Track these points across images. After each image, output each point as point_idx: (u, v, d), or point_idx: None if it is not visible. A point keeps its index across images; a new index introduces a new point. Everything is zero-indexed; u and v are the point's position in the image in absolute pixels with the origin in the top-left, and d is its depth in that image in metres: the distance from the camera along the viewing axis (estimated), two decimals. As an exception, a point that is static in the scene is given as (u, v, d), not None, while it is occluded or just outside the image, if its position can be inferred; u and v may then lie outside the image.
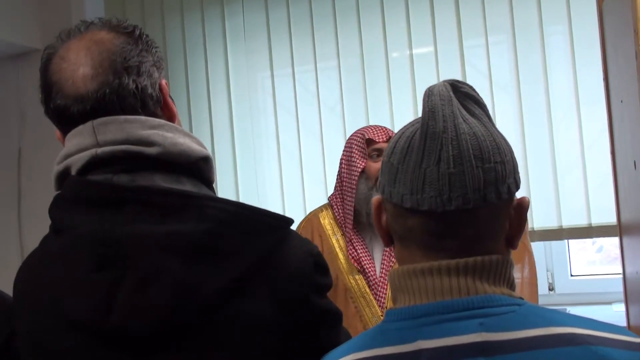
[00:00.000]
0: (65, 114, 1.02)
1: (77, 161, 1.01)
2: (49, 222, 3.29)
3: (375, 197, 0.95)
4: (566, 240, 2.97)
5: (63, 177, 1.04)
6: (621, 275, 2.50)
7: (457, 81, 0.90)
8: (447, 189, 0.84)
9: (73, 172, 1.02)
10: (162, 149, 1.00)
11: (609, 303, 2.89)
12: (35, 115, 3.19)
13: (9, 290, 1.20)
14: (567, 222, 2.76)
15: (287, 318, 0.97)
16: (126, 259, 0.94)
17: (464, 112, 0.87)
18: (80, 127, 1.01)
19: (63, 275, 0.98)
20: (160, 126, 1.01)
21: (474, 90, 0.91)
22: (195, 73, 3.23)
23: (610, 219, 2.65)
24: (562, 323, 0.84)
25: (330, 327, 1.04)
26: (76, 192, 1.00)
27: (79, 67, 1.01)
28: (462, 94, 0.89)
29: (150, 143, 0.99)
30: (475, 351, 0.82)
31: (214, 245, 0.94)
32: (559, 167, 2.75)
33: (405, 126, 0.93)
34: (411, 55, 2.94)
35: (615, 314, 2.77)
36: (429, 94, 0.87)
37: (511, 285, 0.89)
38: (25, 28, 3.13)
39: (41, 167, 3.12)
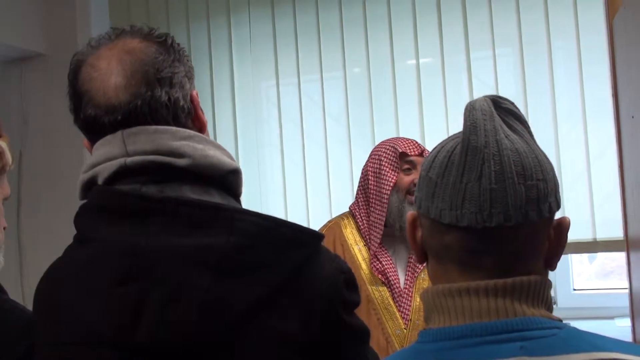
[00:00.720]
0: (96, 124, 1.00)
1: (104, 170, 0.99)
2: (47, 225, 3.22)
3: (410, 212, 0.94)
4: (569, 255, 2.96)
5: (89, 186, 1.02)
6: (626, 290, 2.50)
7: (499, 97, 0.89)
8: (487, 205, 0.82)
9: (100, 181, 1.00)
10: (192, 161, 0.98)
11: (611, 318, 2.89)
12: (38, 119, 3.16)
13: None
14: (572, 237, 2.72)
15: (315, 336, 0.94)
16: (153, 272, 0.92)
17: (506, 128, 0.86)
18: (109, 137, 0.99)
19: (87, 287, 0.95)
20: (191, 137, 1.00)
21: (515, 106, 0.89)
22: (200, 81, 3.22)
23: (615, 233, 2.65)
24: (604, 348, 0.82)
25: (357, 345, 1.02)
26: (103, 202, 0.98)
27: (111, 77, 0.99)
28: (504, 109, 0.88)
29: (180, 154, 0.98)
30: None
31: (244, 260, 0.92)
32: (565, 181, 2.74)
33: (444, 140, 0.91)
34: (418, 66, 2.93)
35: (618, 328, 2.77)
36: (471, 108, 0.86)
37: (549, 306, 0.87)
38: (29, 32, 3.10)
39: (42, 171, 3.09)
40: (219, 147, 1.03)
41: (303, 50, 3.08)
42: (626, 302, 2.58)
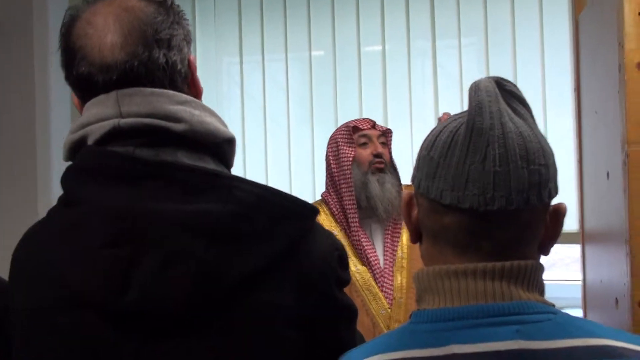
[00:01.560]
0: (89, 82, 0.95)
1: (96, 131, 0.94)
2: (9, 202, 3.09)
3: (406, 192, 0.92)
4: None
5: (78, 146, 0.96)
6: (579, 282, 2.57)
7: (502, 79, 0.88)
8: (491, 187, 0.81)
9: (90, 141, 0.95)
10: (189, 127, 0.94)
11: (561, 308, 2.96)
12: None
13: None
14: (527, 228, 2.80)
15: (308, 309, 0.93)
16: (146, 236, 0.88)
17: (510, 111, 0.85)
18: (102, 96, 0.95)
19: (72, 249, 0.91)
20: (187, 102, 0.96)
21: (517, 89, 0.88)
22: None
23: (571, 226, 2.71)
24: (598, 334, 0.83)
25: (348, 323, 1.02)
26: (93, 163, 0.93)
27: (107, 35, 0.94)
28: (507, 92, 0.87)
29: (177, 119, 0.94)
30: (511, 359, 0.80)
31: (240, 229, 0.89)
32: (523, 173, 2.78)
33: (447, 120, 0.90)
34: (383, 50, 2.93)
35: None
36: (476, 89, 0.84)
37: (542, 292, 0.87)
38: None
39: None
40: (215, 115, 0.99)
41: (269, 29, 3.04)
42: (574, 294, 2.65)
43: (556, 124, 2.78)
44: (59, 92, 3.11)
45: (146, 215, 0.88)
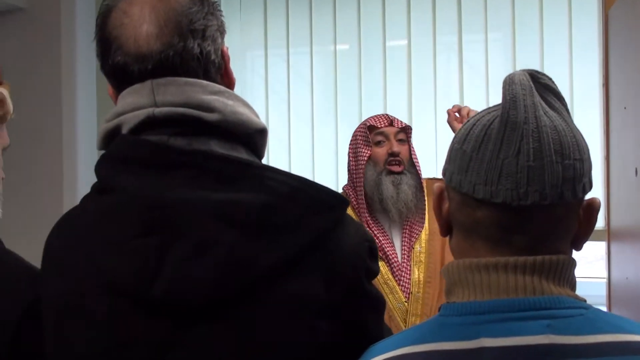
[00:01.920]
0: (124, 72, 0.96)
1: (130, 119, 0.95)
2: (23, 183, 3.15)
3: (438, 184, 0.92)
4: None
5: (112, 135, 0.98)
6: (603, 280, 2.55)
7: (537, 72, 0.87)
8: (524, 182, 0.81)
9: (124, 130, 0.96)
10: (222, 116, 0.95)
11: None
12: (17, 74, 3.06)
13: None
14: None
15: (338, 301, 0.93)
16: (178, 224, 0.89)
17: (544, 105, 0.84)
18: (138, 86, 0.96)
19: (106, 236, 0.92)
20: (221, 92, 0.97)
21: (553, 82, 0.87)
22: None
23: (597, 223, 2.67)
24: (629, 330, 0.82)
25: (376, 315, 1.02)
26: (127, 151, 0.94)
27: (143, 25, 0.95)
28: (542, 85, 0.86)
29: (210, 109, 0.95)
30: (541, 353, 0.79)
31: (272, 219, 0.89)
32: (549, 169, 2.75)
33: (479, 113, 0.89)
34: (409, 44, 2.91)
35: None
36: (510, 82, 0.83)
37: (573, 287, 0.86)
38: (9, -16, 3.00)
39: (19, 127, 2.99)
40: (248, 105, 1.00)
41: (293, 22, 3.03)
42: (597, 291, 2.63)
43: (583, 120, 2.74)
44: (85, 80, 3.14)
45: (178, 204, 0.89)
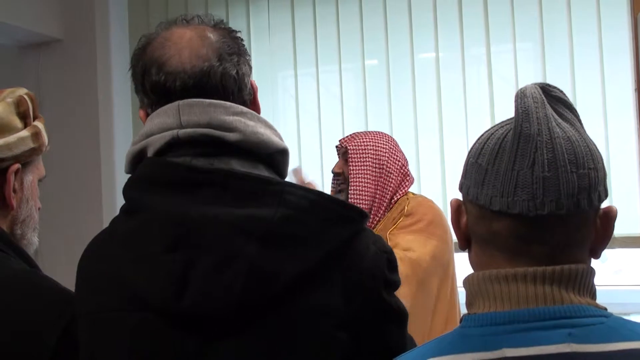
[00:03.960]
0: (166, 88, 1.02)
1: (156, 141, 1.01)
2: (63, 209, 3.23)
3: (454, 199, 0.93)
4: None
5: (139, 158, 1.04)
6: (643, 288, 2.50)
7: (548, 85, 0.88)
8: (540, 192, 0.82)
9: (150, 152, 1.02)
10: (242, 137, 1.00)
11: (627, 314, 2.88)
12: (54, 104, 3.16)
13: None
14: (590, 233, 2.73)
15: (357, 312, 0.95)
16: (200, 240, 0.93)
17: (556, 116, 0.85)
18: (166, 107, 1.02)
19: (134, 255, 0.97)
20: (243, 113, 1.02)
21: (564, 94, 0.89)
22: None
23: (634, 230, 2.64)
24: None
25: (397, 326, 1.03)
26: (152, 173, 1.00)
27: (185, 48, 1.03)
28: (554, 97, 0.87)
29: (231, 129, 1.00)
30: None
31: (291, 233, 0.93)
32: (584, 177, 2.72)
33: (493, 127, 0.90)
34: (437, 58, 2.92)
35: (633, 326, 2.75)
36: (522, 95, 0.85)
37: (594, 295, 0.87)
38: (46, 17, 3.10)
39: (56, 155, 3.09)
40: (270, 127, 1.05)
41: (322, 40, 3.07)
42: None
43: (618, 127, 2.71)
44: (121, 106, 3.22)
45: (201, 221, 0.93)
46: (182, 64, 1.01)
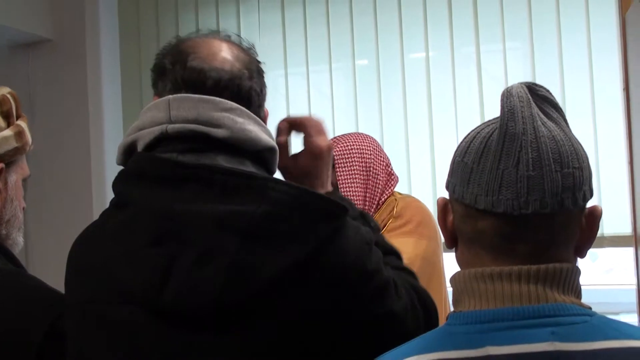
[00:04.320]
0: (199, 78, 1.04)
1: (146, 135, 1.03)
2: (53, 208, 3.24)
3: (441, 197, 0.94)
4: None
5: (130, 150, 1.06)
6: (631, 286, 2.51)
7: (534, 84, 0.89)
8: (525, 191, 0.82)
9: (140, 146, 1.04)
10: (230, 133, 1.01)
11: (617, 313, 2.89)
12: (44, 104, 3.16)
13: None
14: (579, 232, 2.75)
15: (341, 308, 0.96)
16: (184, 235, 0.94)
17: (542, 115, 0.86)
18: (157, 101, 1.04)
19: (121, 248, 0.98)
20: (233, 110, 1.03)
21: (550, 93, 0.89)
22: (208, 69, 3.20)
23: (623, 229, 2.66)
24: (635, 336, 0.83)
25: (388, 325, 1.03)
26: (141, 168, 1.02)
27: (220, 51, 1.06)
28: (540, 96, 0.88)
29: (219, 125, 1.01)
30: None
31: (273, 229, 0.94)
32: (573, 176, 2.73)
33: (479, 126, 0.91)
34: (427, 58, 2.92)
35: (623, 324, 2.76)
36: (508, 95, 0.85)
37: (579, 294, 0.88)
38: (36, 17, 3.09)
39: (49, 157, 3.08)
40: (260, 124, 1.06)
41: (312, 40, 3.07)
42: (631, 298, 2.59)
43: (607, 126, 2.72)
44: (111, 106, 3.21)
45: (185, 216, 0.95)
46: (220, 63, 1.04)
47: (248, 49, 1.12)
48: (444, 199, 0.93)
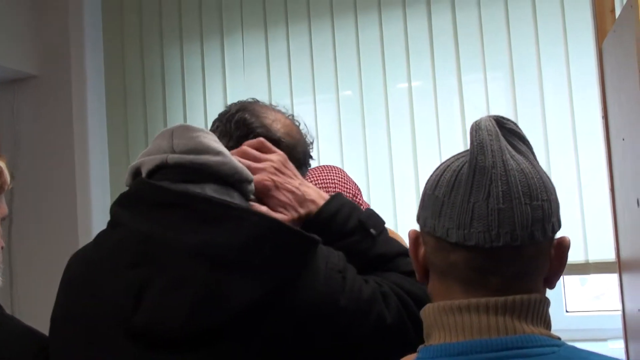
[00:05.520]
0: (246, 126, 1.21)
1: (149, 162, 1.10)
2: (39, 245, 3.22)
3: (412, 230, 0.95)
4: (562, 277, 2.97)
5: (136, 173, 1.13)
6: (619, 312, 2.52)
7: (502, 117, 0.90)
8: (495, 224, 0.83)
9: (144, 171, 1.10)
10: (226, 159, 1.09)
11: (604, 340, 2.89)
12: (29, 140, 3.16)
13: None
14: (564, 258, 2.76)
15: (309, 339, 0.97)
16: (160, 260, 0.98)
17: (510, 149, 0.87)
18: (164, 130, 1.12)
19: (106, 267, 1.03)
20: None
21: (517, 126, 0.91)
22: (193, 103, 3.22)
23: (607, 255, 2.67)
24: None
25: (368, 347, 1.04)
26: (135, 193, 1.09)
27: (282, 121, 1.28)
28: (508, 130, 0.89)
29: (216, 152, 1.08)
30: None
31: (243, 259, 0.96)
32: (557, 203, 2.76)
33: (449, 159, 0.92)
34: (410, 88, 2.96)
35: (611, 350, 2.76)
36: (477, 128, 0.87)
37: (548, 325, 0.88)
38: (21, 54, 3.11)
39: (34, 192, 3.08)
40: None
41: (296, 73, 3.10)
42: (619, 324, 2.59)
43: (588, 153, 2.75)
44: (97, 142, 3.22)
45: (162, 242, 0.99)
46: (281, 128, 1.25)
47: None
48: (416, 231, 0.94)
